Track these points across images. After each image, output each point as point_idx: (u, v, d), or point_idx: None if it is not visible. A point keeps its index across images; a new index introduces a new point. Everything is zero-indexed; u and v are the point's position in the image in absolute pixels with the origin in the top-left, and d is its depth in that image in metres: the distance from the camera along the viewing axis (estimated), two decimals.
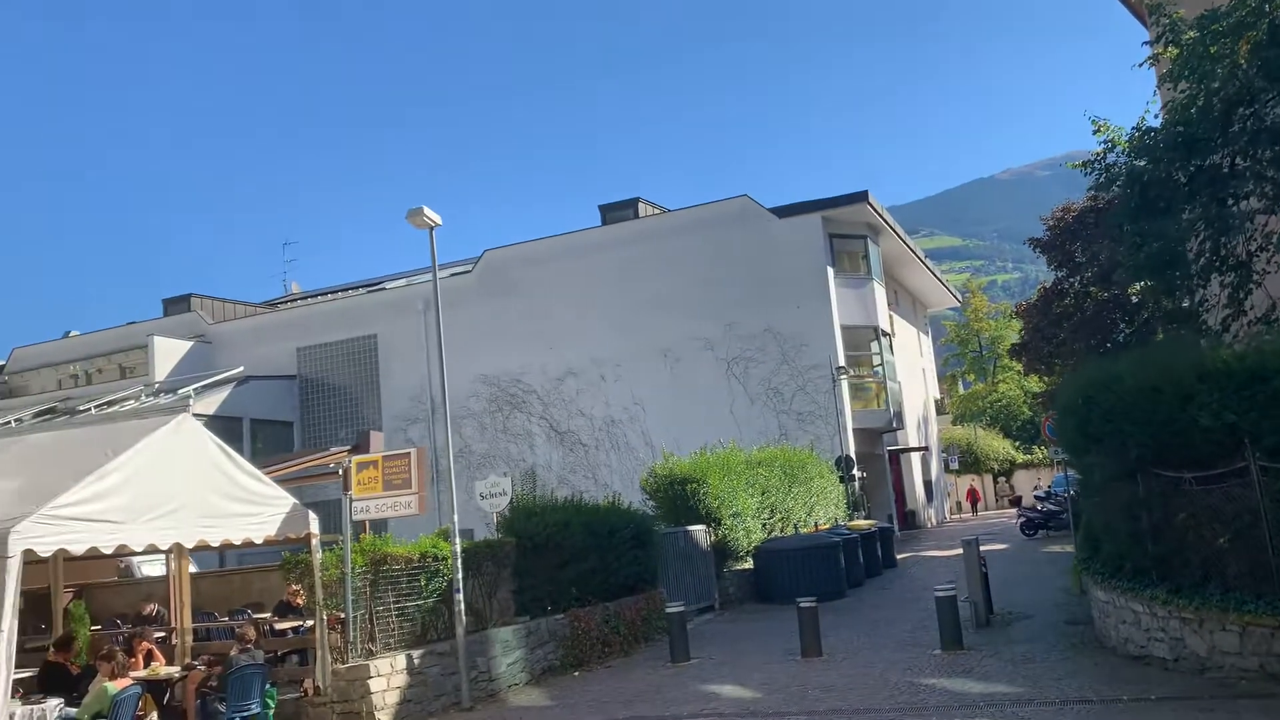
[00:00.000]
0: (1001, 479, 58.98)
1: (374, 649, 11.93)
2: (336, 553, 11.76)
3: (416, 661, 12.10)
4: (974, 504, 49.18)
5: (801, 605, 13.84)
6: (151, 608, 14.78)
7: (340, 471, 12.00)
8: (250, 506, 10.95)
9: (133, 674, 11.22)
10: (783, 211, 33.52)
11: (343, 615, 11.61)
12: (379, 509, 11.85)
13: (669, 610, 14.63)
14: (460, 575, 12.47)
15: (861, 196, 32.84)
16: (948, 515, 47.09)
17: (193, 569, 20.67)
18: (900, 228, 37.07)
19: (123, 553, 10.14)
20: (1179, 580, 10.47)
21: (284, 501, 11.37)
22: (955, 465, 50.02)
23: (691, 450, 24.17)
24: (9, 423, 11.80)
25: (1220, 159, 13.04)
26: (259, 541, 11.12)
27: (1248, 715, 8.39)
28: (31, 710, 9.30)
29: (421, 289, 36.97)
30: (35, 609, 15.35)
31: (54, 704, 9.54)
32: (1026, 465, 57.43)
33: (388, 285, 42.37)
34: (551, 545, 15.31)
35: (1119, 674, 10.53)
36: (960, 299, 53.21)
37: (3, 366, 42.86)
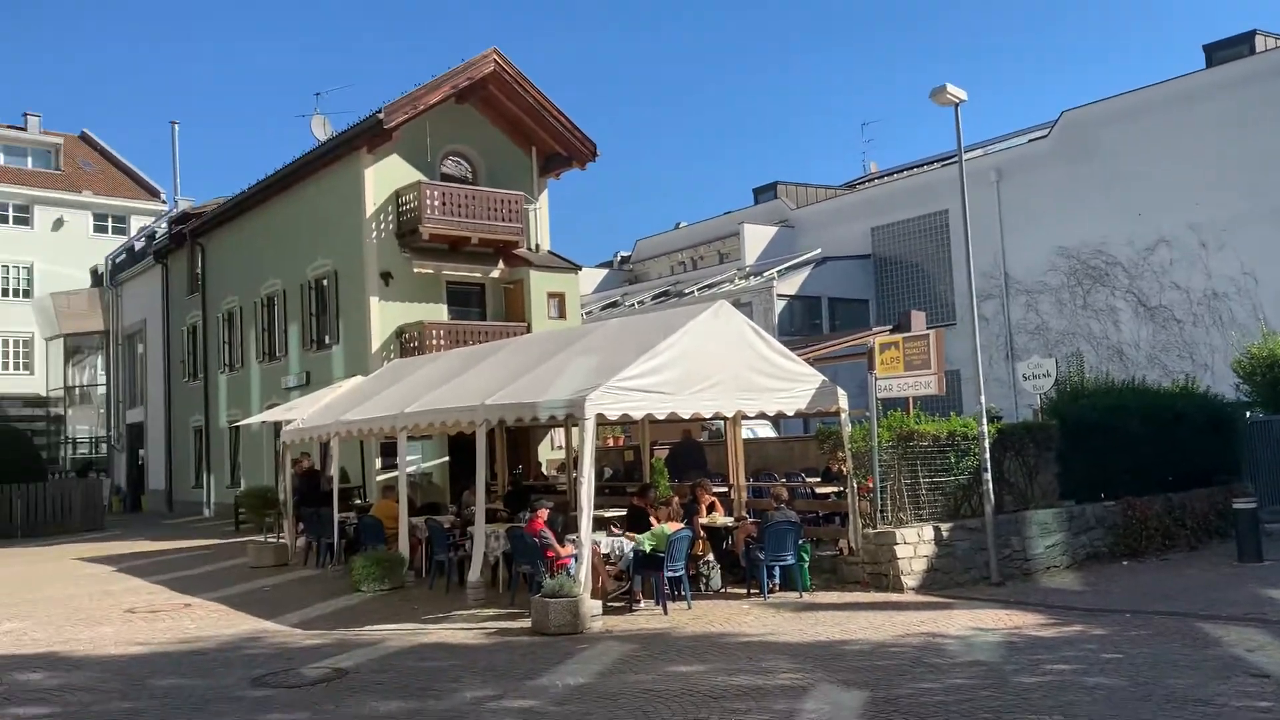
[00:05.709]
0: None
1: (903, 518, 12.55)
2: (865, 427, 12.51)
3: (944, 534, 12.51)
4: None
5: None
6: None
7: (866, 352, 12.65)
8: (782, 382, 12.15)
9: (701, 520, 13.21)
10: None
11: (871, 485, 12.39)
12: (900, 387, 12.31)
13: (1236, 506, 13.21)
14: (988, 456, 12.49)
15: None
16: None
17: (769, 434, 23.16)
18: None
19: (674, 419, 11.93)
20: None
21: (813, 378, 12.39)
22: None
23: None
24: (633, 305, 14.33)
25: None
26: (790, 414, 12.30)
27: None
28: (612, 541, 11.57)
29: (993, 159, 35.61)
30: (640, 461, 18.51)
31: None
32: None
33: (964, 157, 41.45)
34: (1102, 429, 14.58)
35: None
36: None
37: (629, 257, 50.22)
